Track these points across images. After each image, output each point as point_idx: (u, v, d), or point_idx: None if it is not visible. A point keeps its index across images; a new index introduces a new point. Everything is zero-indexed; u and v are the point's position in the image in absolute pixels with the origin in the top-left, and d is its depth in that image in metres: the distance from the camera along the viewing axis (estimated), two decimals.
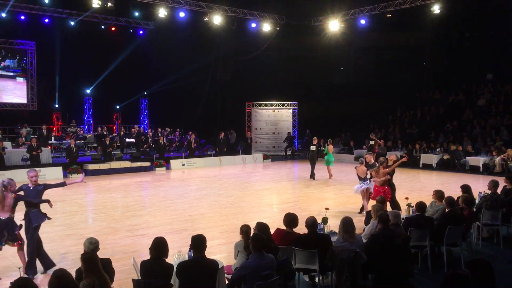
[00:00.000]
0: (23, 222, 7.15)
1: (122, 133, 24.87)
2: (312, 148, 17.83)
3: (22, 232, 7.17)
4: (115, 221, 10.86)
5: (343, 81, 30.87)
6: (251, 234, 5.64)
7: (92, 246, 5.30)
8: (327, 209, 7.74)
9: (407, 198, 9.80)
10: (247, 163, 24.21)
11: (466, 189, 8.71)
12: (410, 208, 8.49)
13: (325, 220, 7.14)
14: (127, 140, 24.35)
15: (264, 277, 5.04)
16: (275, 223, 7.46)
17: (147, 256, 5.21)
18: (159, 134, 24.50)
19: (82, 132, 25.78)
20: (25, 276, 6.41)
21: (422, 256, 7.40)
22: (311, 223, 6.29)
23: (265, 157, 25.22)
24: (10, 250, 8.50)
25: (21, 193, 7.23)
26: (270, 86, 28.09)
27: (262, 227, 5.93)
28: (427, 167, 21.04)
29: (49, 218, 7.37)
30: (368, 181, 11.27)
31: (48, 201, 7.26)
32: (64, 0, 23.38)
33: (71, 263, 7.44)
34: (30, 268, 6.99)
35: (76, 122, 26.21)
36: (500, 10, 25.37)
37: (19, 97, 26.95)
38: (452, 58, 28.93)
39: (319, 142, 17.88)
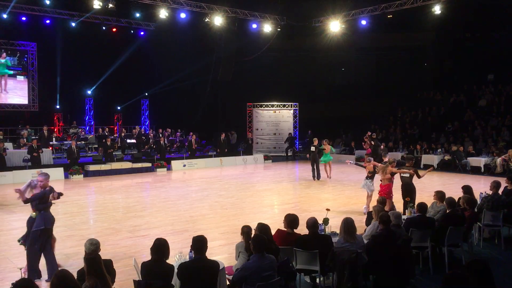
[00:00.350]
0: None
1: (123, 134, 24.88)
2: (313, 149, 17.85)
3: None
4: (116, 222, 10.86)
5: (344, 81, 30.94)
6: (252, 235, 5.64)
7: (92, 247, 5.30)
8: (328, 209, 7.73)
9: (408, 199, 9.80)
10: (248, 164, 24.20)
11: (467, 189, 8.71)
12: (411, 209, 8.48)
13: (326, 221, 7.13)
14: (128, 141, 24.37)
15: (265, 278, 5.04)
16: (276, 224, 7.46)
17: (148, 257, 5.21)
18: (160, 135, 24.51)
19: (83, 133, 25.80)
20: (26, 277, 6.41)
21: (423, 257, 7.39)
22: (312, 223, 6.28)
23: (266, 157, 25.22)
24: (11, 251, 8.52)
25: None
26: (271, 87, 28.10)
27: (263, 228, 5.93)
28: (428, 167, 20.96)
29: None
30: (371, 181, 11.44)
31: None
32: (65, 1, 23.39)
33: (72, 264, 7.45)
34: (33, 271, 6.98)
35: (77, 123, 26.24)
36: (501, 10, 25.35)
37: (20, 96, 26.95)
38: (453, 58, 28.95)
39: (320, 142, 17.89)
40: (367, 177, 11.63)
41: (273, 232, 6.28)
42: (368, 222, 7.83)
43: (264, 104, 27.60)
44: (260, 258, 5.14)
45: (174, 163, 21.69)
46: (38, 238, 7.03)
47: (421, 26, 24.66)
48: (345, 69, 31.69)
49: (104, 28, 25.49)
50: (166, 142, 23.65)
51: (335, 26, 23.60)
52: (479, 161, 19.57)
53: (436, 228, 7.37)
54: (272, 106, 27.56)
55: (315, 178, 17.82)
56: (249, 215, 11.48)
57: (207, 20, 22.99)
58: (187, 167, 21.98)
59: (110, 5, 20.53)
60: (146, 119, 31.63)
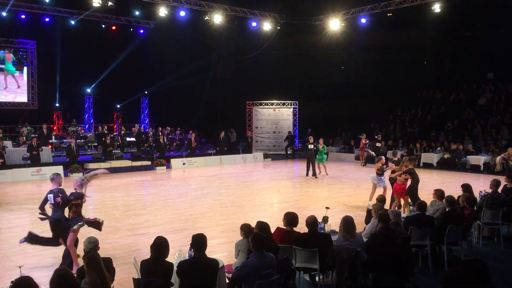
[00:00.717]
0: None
1: (122, 132, 24.86)
2: (310, 147, 18.01)
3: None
4: (115, 220, 10.86)
5: (344, 80, 30.91)
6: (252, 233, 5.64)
7: (91, 245, 5.33)
8: (327, 208, 7.73)
9: (407, 197, 9.81)
10: (247, 162, 24.20)
11: (466, 188, 8.72)
12: (411, 207, 8.49)
13: (325, 219, 7.13)
14: (128, 139, 24.36)
15: (265, 276, 5.05)
16: (276, 222, 7.46)
17: (147, 255, 5.21)
18: (160, 133, 24.50)
19: (82, 131, 25.78)
20: (26, 275, 6.42)
21: (422, 255, 7.40)
22: (312, 222, 6.29)
23: (266, 156, 25.22)
24: (10, 249, 8.52)
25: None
26: (270, 85, 28.08)
27: (262, 226, 5.93)
28: (428, 166, 21.04)
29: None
30: (382, 177, 11.61)
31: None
32: None
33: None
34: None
35: (77, 121, 26.23)
36: (501, 8, 25.34)
37: (19, 94, 26.91)
38: (452, 57, 28.93)
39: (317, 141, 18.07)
40: (377, 174, 11.69)
41: (272, 230, 6.29)
42: (367, 221, 7.83)
43: (263, 103, 27.58)
44: (259, 256, 5.15)
45: (173, 162, 21.69)
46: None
47: (420, 24, 24.67)
48: (345, 68, 31.67)
49: (103, 26, 25.48)
50: (165, 140, 23.64)
51: (334, 24, 23.58)
52: (479, 159, 19.59)
53: (435, 227, 7.37)
54: (272, 104, 27.54)
55: (309, 175, 18.08)
56: (248, 213, 11.49)
57: (206, 18, 22.99)
58: (187, 166, 21.98)
59: (110, 3, 20.51)
60: (146, 117, 31.62)
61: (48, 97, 27.22)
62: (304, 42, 28.30)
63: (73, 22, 24.57)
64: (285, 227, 6.49)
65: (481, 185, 13.68)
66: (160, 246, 5.10)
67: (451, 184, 15.36)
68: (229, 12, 23.31)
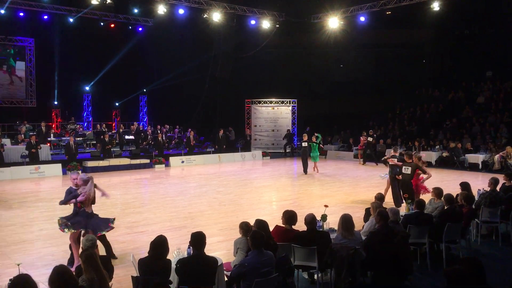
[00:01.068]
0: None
1: (121, 130, 24.83)
2: (304, 144, 18.43)
3: None
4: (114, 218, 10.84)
5: (343, 78, 30.89)
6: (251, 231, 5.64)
7: (88, 243, 5.34)
8: (326, 206, 7.74)
9: (406, 195, 9.81)
10: (246, 160, 24.19)
11: (465, 186, 8.73)
12: (409, 206, 8.49)
13: (324, 217, 7.14)
14: (126, 137, 24.32)
15: (263, 274, 5.05)
16: (274, 220, 7.46)
17: (146, 253, 5.21)
18: (158, 131, 24.47)
19: (81, 129, 25.73)
20: (25, 272, 6.42)
21: (421, 253, 7.40)
22: (310, 220, 6.29)
23: (265, 154, 25.23)
24: (8, 247, 8.52)
25: None
26: (269, 83, 28.06)
27: (261, 224, 5.93)
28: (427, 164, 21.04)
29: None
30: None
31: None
32: None
33: None
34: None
35: (75, 119, 26.16)
36: (499, 7, 25.35)
37: (18, 92, 26.86)
38: (451, 55, 28.92)
39: (310, 138, 18.65)
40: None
41: (271, 228, 6.29)
42: (366, 219, 7.84)
43: (262, 101, 27.57)
44: (258, 254, 5.15)
45: (172, 160, 21.68)
46: None
47: (419, 22, 24.62)
48: (344, 66, 31.63)
49: (102, 24, 25.42)
50: (164, 138, 23.63)
51: (333, 22, 23.57)
52: (477, 157, 19.61)
53: (434, 225, 7.38)
54: (271, 102, 27.52)
55: (308, 172, 18.41)
56: (247, 212, 11.49)
57: (205, 16, 22.96)
58: (186, 164, 21.97)
59: (108, 1, 20.50)
60: (145, 115, 31.59)
61: (46, 95, 27.15)
62: (303, 40, 28.27)
63: (71, 20, 24.50)
64: (283, 225, 6.50)
65: (479, 183, 13.69)
66: (159, 245, 5.10)
67: (450, 182, 15.37)
68: (228, 10, 23.28)
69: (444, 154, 20.84)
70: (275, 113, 27.40)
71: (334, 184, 16.14)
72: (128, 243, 8.75)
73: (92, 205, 7.67)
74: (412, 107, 27.19)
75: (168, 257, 5.31)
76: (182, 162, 21.95)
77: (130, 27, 27.55)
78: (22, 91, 27.03)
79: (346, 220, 6.18)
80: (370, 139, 22.01)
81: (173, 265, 5.26)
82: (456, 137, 22.00)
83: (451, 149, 20.50)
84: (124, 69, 27.21)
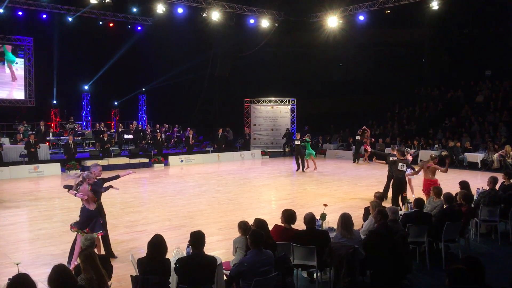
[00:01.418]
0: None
1: (120, 129, 24.82)
2: (297, 142, 18.95)
3: None
4: (113, 217, 10.83)
5: (342, 77, 30.92)
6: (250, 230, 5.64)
7: (87, 242, 5.33)
8: (325, 205, 7.74)
9: (405, 195, 9.83)
10: (245, 159, 24.19)
11: (464, 185, 8.73)
12: (408, 205, 8.50)
13: (323, 216, 7.14)
14: (125, 136, 24.30)
15: (263, 273, 5.05)
16: (274, 220, 7.46)
17: (146, 252, 5.21)
18: (157, 131, 24.46)
19: (80, 128, 25.69)
20: (24, 272, 6.41)
21: (420, 252, 7.41)
22: (310, 219, 6.29)
23: (264, 153, 25.22)
24: (7, 246, 8.51)
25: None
26: (268, 83, 28.06)
27: (260, 224, 5.93)
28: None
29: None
30: (409, 170, 11.68)
31: (110, 186, 7.83)
32: None
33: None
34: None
35: (74, 118, 26.11)
36: (499, 6, 25.35)
37: (16, 91, 26.82)
38: (450, 54, 28.92)
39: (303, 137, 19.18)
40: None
41: (270, 227, 6.29)
42: (365, 218, 7.84)
43: (261, 100, 27.55)
44: (257, 253, 5.15)
45: (171, 159, 21.67)
46: None
47: (418, 21, 24.62)
48: (343, 65, 31.64)
49: (101, 23, 25.35)
50: (163, 137, 23.62)
51: (332, 21, 23.56)
52: (476, 156, 19.64)
53: (433, 224, 7.38)
54: (270, 101, 27.51)
55: (301, 169, 18.82)
56: (246, 211, 11.49)
57: (204, 15, 22.93)
58: (185, 163, 21.97)
59: (107, 0, 20.42)
60: (144, 115, 31.57)
61: (45, 94, 27.13)
62: (302, 39, 28.27)
63: (70, 19, 24.43)
64: (283, 224, 6.49)
65: (478, 182, 13.72)
66: (156, 246, 5.10)
67: (449, 181, 15.35)
68: (227, 9, 23.26)
69: (443, 153, 20.83)
70: (274, 112, 27.39)
71: (333, 183, 16.14)
72: (127, 242, 8.75)
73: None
74: (411, 106, 27.20)
75: (167, 256, 5.31)
76: (181, 161, 21.94)
77: (129, 26, 27.50)
78: (21, 90, 26.98)
79: (346, 219, 6.17)
80: (357, 137, 22.24)
81: (172, 265, 5.26)
82: (455, 136, 22.01)
83: (450, 148, 20.51)
84: (123, 68, 27.18)
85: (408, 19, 24.93)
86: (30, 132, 21.27)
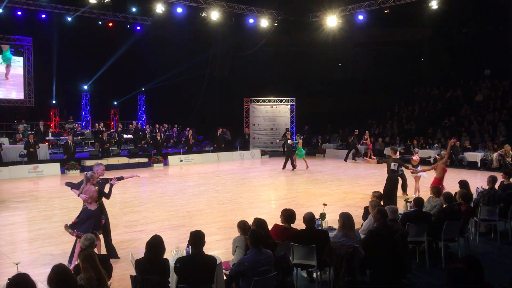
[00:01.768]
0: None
1: (119, 129, 24.80)
2: (290, 142, 19.48)
3: None
4: (113, 217, 10.77)
5: (341, 77, 30.89)
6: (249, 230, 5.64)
7: (87, 242, 5.33)
8: (325, 204, 7.74)
9: (405, 194, 9.83)
10: (245, 159, 24.19)
11: (463, 184, 8.73)
12: (408, 204, 8.50)
13: (323, 216, 7.14)
14: (125, 136, 24.29)
15: (262, 273, 5.05)
16: (273, 219, 7.46)
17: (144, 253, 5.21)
18: (157, 130, 24.46)
19: (79, 128, 25.69)
20: (23, 272, 6.41)
21: (419, 251, 7.41)
22: (309, 218, 6.29)
23: (263, 153, 25.22)
24: (6, 246, 8.50)
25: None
26: (268, 82, 28.06)
27: (259, 223, 5.93)
28: (425, 162, 21.03)
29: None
30: (419, 167, 12.22)
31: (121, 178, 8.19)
32: None
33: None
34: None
35: (74, 118, 26.10)
36: (498, 5, 25.35)
37: (16, 91, 26.77)
38: (450, 54, 28.92)
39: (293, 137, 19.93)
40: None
41: (270, 227, 6.29)
42: (365, 217, 7.85)
43: (261, 99, 27.54)
44: (257, 253, 5.15)
45: (171, 158, 21.67)
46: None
47: (418, 21, 24.64)
48: (342, 64, 31.64)
49: (100, 22, 25.35)
50: (162, 137, 23.61)
51: (332, 21, 23.56)
52: (476, 156, 19.64)
53: (432, 223, 7.38)
54: (269, 101, 27.51)
55: (286, 168, 19.22)
56: (246, 210, 11.49)
57: (203, 15, 22.92)
58: (184, 163, 21.96)
59: (106, 0, 20.41)
60: (143, 114, 31.56)
61: (44, 94, 27.11)
62: (301, 39, 28.26)
63: (69, 19, 24.43)
64: (282, 224, 6.49)
65: (478, 181, 13.72)
66: (154, 246, 5.10)
67: (448, 180, 15.33)
68: (226, 9, 23.25)
69: (443, 153, 20.78)
70: (273, 112, 27.38)
71: (333, 182, 16.14)
72: (127, 242, 8.75)
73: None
74: (410, 105, 27.21)
75: (167, 256, 5.31)
76: (181, 161, 21.94)
77: (128, 26, 27.49)
78: (20, 90, 26.96)
79: (347, 218, 6.16)
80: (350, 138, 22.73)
81: (172, 264, 5.26)
82: (455, 135, 21.99)
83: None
84: (122, 68, 27.17)
85: (408, 19, 24.95)
86: (30, 132, 21.24)
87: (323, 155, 25.24)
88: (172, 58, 26.86)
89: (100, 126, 25.04)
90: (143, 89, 30.64)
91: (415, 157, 12.54)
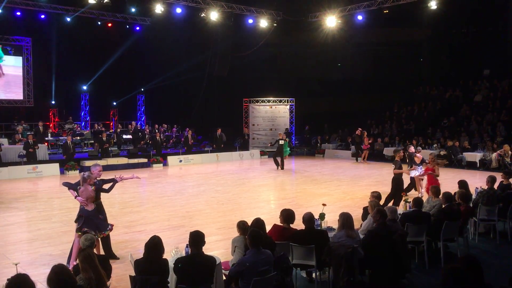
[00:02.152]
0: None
1: (119, 129, 24.81)
2: (281, 142, 19.75)
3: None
4: (112, 217, 10.77)
5: (340, 77, 30.87)
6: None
7: (87, 242, 5.32)
8: (324, 205, 7.74)
9: (404, 194, 9.83)
10: (244, 159, 24.19)
11: (463, 184, 8.74)
12: (407, 204, 8.51)
13: (322, 216, 7.14)
14: (124, 136, 24.30)
15: (262, 273, 5.05)
16: (273, 219, 7.46)
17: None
18: (156, 131, 24.46)
19: (79, 128, 25.69)
20: (23, 272, 6.41)
21: (419, 251, 7.41)
22: (308, 218, 6.29)
23: (262, 153, 25.22)
24: (6, 247, 8.50)
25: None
26: (267, 82, 28.05)
27: (258, 223, 5.93)
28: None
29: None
30: (420, 167, 12.32)
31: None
32: None
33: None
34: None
35: (73, 118, 26.10)
36: (497, 5, 25.36)
37: (15, 91, 26.75)
38: (449, 54, 28.95)
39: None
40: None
41: (269, 227, 6.29)
42: (364, 217, 7.85)
43: (260, 100, 27.55)
44: (256, 253, 5.15)
45: (170, 159, 21.67)
46: None
47: (417, 21, 24.66)
48: (342, 65, 31.62)
49: (99, 23, 25.32)
50: (162, 137, 23.61)
51: (331, 21, 23.56)
52: (475, 156, 19.65)
53: (432, 223, 7.39)
54: (269, 101, 27.51)
55: (280, 167, 19.60)
56: (245, 211, 11.49)
57: (203, 15, 22.93)
58: (183, 163, 21.97)
59: (105, 0, 20.41)
60: (142, 115, 31.54)
61: (44, 95, 27.09)
62: (300, 39, 28.26)
63: (68, 19, 24.40)
64: (281, 224, 6.49)
65: (477, 181, 13.72)
66: (153, 247, 5.09)
67: (447, 180, 15.38)
68: (225, 9, 23.25)
69: (442, 153, 20.84)
70: (273, 112, 27.38)
71: (332, 182, 16.15)
72: (126, 242, 8.75)
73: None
74: (409, 105, 27.23)
75: (166, 256, 5.31)
76: (180, 161, 21.94)
77: (127, 26, 27.48)
78: (20, 90, 26.94)
79: (347, 218, 6.17)
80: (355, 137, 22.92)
81: (171, 264, 5.26)
82: (454, 135, 22.03)
83: (448, 148, 20.53)
84: (121, 68, 27.16)
85: (407, 19, 24.95)
86: (29, 133, 21.24)
87: (322, 155, 25.26)
88: (171, 58, 26.86)
89: (99, 127, 25.05)
90: (142, 89, 30.63)
91: (418, 155, 12.71)
